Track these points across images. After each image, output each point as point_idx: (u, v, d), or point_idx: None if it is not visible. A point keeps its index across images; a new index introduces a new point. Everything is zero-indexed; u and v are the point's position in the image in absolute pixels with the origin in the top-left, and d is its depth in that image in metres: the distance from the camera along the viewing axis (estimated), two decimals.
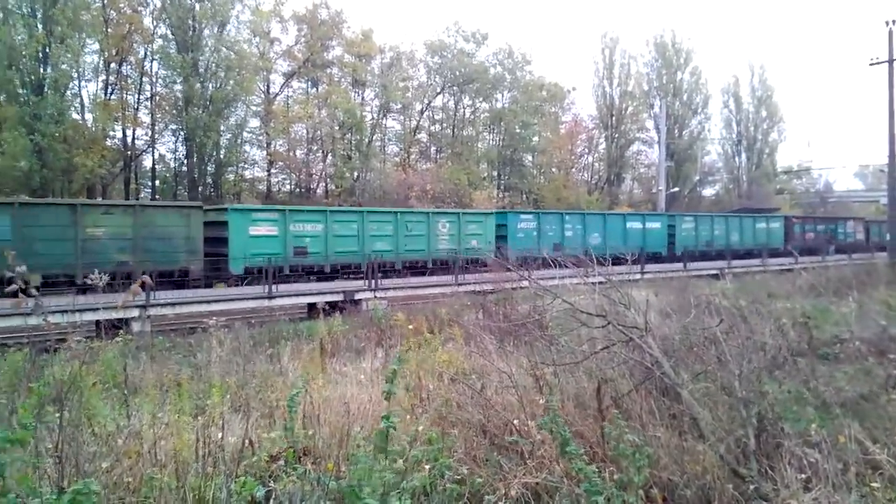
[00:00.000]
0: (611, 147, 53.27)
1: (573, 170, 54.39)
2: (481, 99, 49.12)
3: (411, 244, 25.01)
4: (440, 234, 25.91)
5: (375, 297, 19.28)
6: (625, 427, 4.37)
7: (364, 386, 7.07)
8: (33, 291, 4.48)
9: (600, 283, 7.13)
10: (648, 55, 55.46)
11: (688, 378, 5.64)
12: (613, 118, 53.00)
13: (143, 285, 4.89)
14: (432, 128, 49.14)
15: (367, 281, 20.76)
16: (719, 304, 9.32)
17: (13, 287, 4.34)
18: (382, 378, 7.65)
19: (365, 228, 23.71)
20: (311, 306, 19.27)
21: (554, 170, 52.27)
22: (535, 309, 9.48)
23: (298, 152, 41.86)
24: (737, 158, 62.21)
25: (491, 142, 51.19)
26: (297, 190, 41.50)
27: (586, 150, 56.15)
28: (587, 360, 6.17)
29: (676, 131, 54.57)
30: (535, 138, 50.18)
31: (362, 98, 43.98)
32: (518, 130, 48.31)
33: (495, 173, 50.83)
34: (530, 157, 51.55)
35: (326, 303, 18.42)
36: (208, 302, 17.31)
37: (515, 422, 5.24)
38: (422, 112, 47.20)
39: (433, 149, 49.18)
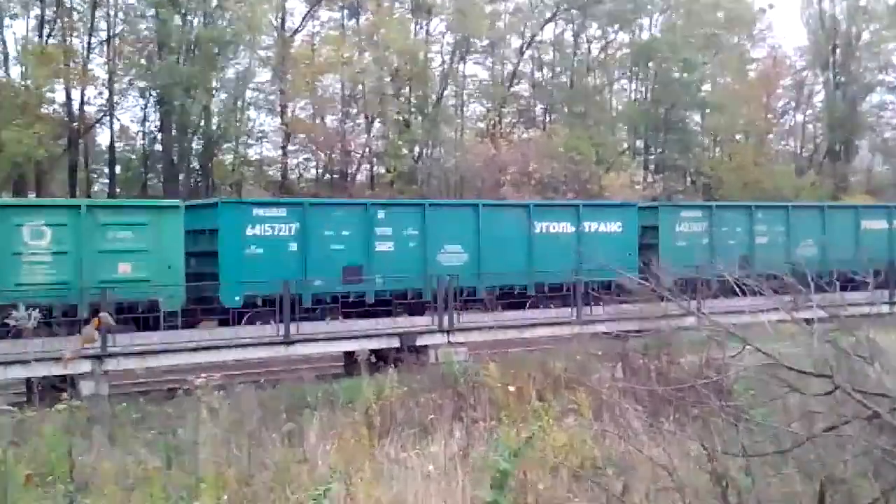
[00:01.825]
0: (834, 99, 51.86)
1: (770, 136, 53.15)
2: (617, 27, 48.82)
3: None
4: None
5: (449, 341, 19.31)
6: None
7: (434, 481, 7.06)
8: None
9: (820, 320, 6.88)
10: None
11: None
12: (838, 52, 51.67)
13: (98, 326, 5.03)
14: (538, 75, 49.15)
15: (434, 317, 20.86)
16: None
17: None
18: (463, 470, 7.59)
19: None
20: (350, 356, 19.51)
21: (739, 137, 51.17)
22: (708, 363, 9.29)
23: (329, 119, 42.87)
24: None
25: (633, 95, 50.68)
26: (328, 176, 42.44)
27: (792, 105, 54.76)
28: (800, 447, 5.96)
29: None
30: (706, 87, 49.27)
31: (427, 32, 44.58)
32: (677, 75, 47.60)
33: (640, 143, 50.26)
34: (697, 118, 50.67)
35: (372, 351, 18.53)
36: (193, 350, 17.78)
37: None
38: (521, 51, 47.33)
39: (539, 108, 49.20)
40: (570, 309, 22.11)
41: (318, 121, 42.47)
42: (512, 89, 47.76)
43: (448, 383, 13.05)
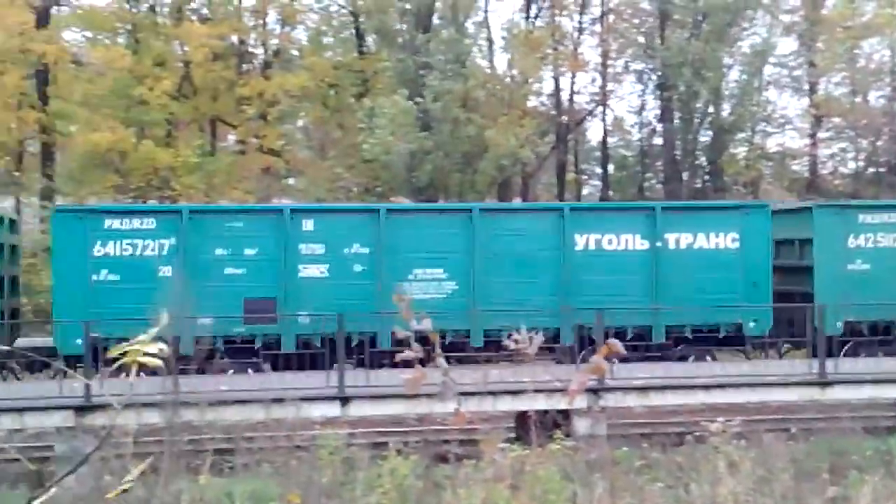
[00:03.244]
0: None
1: None
2: None
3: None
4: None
5: None
6: None
7: None
8: (440, 361, 5.05)
9: None
10: None
11: None
12: None
13: (609, 354, 5.13)
14: None
15: None
16: None
17: (409, 354, 4.96)
18: None
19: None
20: None
21: None
22: None
23: (874, 96, 40.95)
24: None
25: None
26: (871, 169, 40.53)
27: None
28: None
29: None
30: None
31: None
32: None
33: None
34: None
35: None
36: (707, 388, 17.93)
37: None
38: None
39: None
40: None
41: (858, 99, 40.73)
42: None
43: None
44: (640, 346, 20.32)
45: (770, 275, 21.15)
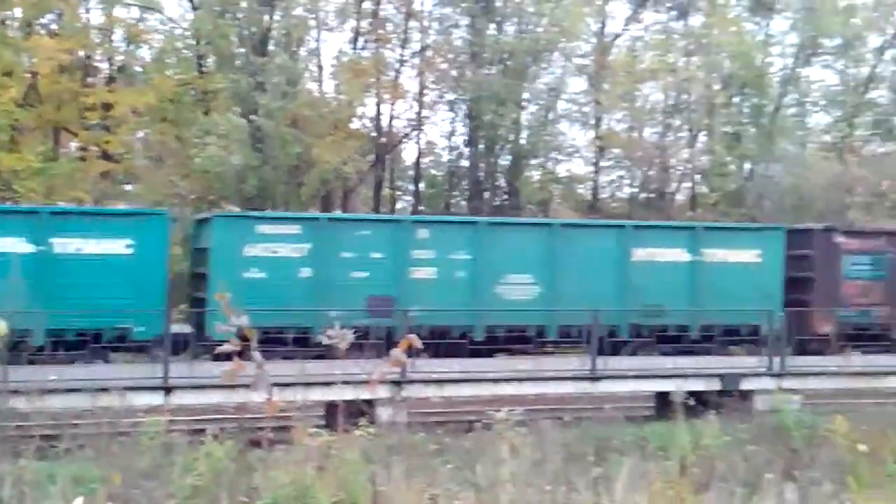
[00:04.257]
0: None
1: None
2: None
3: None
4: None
5: (780, 388, 18.62)
6: None
7: None
8: (256, 355, 5.09)
9: None
10: None
11: None
12: None
13: (408, 349, 5.28)
14: None
15: (763, 358, 20.22)
16: None
17: (228, 347, 4.98)
18: None
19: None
20: (663, 397, 19.26)
21: None
22: None
23: (648, 132, 42.56)
24: None
25: None
26: (643, 195, 42.08)
27: None
28: None
29: None
30: None
31: (767, 33, 43.11)
32: None
33: None
34: None
35: (689, 394, 18.20)
36: (495, 381, 18.28)
37: None
38: (881, 50, 44.33)
39: None
40: None
41: (635, 134, 42.26)
42: (867, 96, 44.87)
43: (779, 436, 12.51)
44: None
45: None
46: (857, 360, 21.97)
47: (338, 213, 25.12)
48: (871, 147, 44.49)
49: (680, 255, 23.28)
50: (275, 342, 19.20)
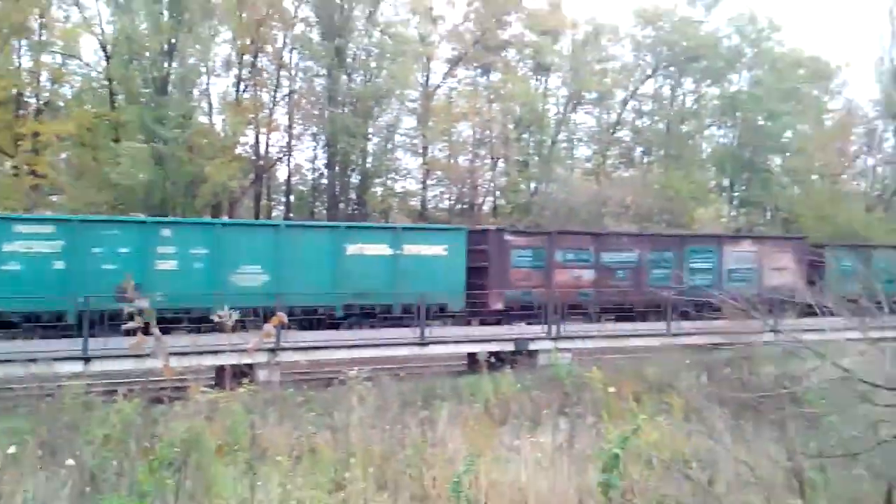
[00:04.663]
0: None
1: (843, 177, 50.60)
2: (709, 82, 47.43)
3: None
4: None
5: (556, 348, 19.18)
6: None
7: (544, 470, 6.98)
8: (155, 330, 4.96)
9: (893, 339, 6.52)
10: None
11: None
12: None
13: (277, 324, 5.23)
14: (638, 122, 48.33)
15: (545, 326, 20.71)
16: None
17: (133, 324, 4.84)
18: (568, 458, 7.49)
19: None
20: (473, 357, 19.58)
21: (815, 177, 48.88)
22: (785, 375, 8.92)
23: (461, 159, 43.13)
24: None
25: (721, 139, 49.25)
26: (459, 206, 42.65)
27: (864, 150, 52.04)
28: (870, 452, 5.63)
29: None
30: (787, 133, 47.24)
31: (545, 87, 44.44)
32: (762, 123, 45.70)
33: (726, 182, 48.68)
34: (778, 160, 48.66)
35: (491, 353, 18.59)
36: (349, 347, 18.20)
37: None
38: (625, 102, 46.56)
39: (638, 150, 48.31)
40: (663, 323, 21.66)
41: (452, 161, 42.72)
42: (615, 135, 46.98)
43: (555, 383, 12.91)
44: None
45: None
46: (610, 326, 22.83)
47: (90, 216, 22.61)
48: (618, 172, 46.52)
49: (384, 249, 22.94)
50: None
